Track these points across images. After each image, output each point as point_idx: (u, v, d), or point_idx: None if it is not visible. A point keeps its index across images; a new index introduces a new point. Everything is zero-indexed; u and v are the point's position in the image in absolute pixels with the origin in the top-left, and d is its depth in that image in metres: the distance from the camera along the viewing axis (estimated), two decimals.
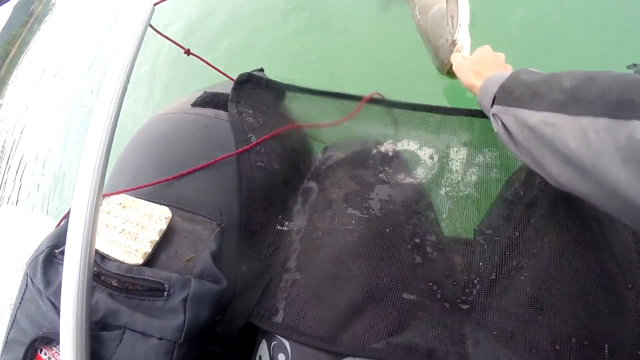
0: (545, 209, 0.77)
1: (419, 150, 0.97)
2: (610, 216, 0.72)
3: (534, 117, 0.60)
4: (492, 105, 0.74)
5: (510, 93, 0.69)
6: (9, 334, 0.71)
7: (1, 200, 4.66)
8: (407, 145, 0.97)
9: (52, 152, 4.01)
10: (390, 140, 0.97)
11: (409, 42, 1.57)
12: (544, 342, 0.62)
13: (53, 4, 10.46)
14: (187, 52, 0.99)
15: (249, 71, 1.11)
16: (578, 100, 0.53)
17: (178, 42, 1.00)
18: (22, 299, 0.72)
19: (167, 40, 0.98)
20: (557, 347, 0.61)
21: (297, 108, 1.03)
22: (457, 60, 1.02)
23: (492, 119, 0.74)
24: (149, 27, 0.83)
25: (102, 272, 0.69)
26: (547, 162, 0.60)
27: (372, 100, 0.98)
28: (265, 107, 0.99)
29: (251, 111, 0.96)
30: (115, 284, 0.68)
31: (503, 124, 0.69)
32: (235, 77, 1.03)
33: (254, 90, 1.00)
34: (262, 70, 1.17)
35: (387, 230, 0.80)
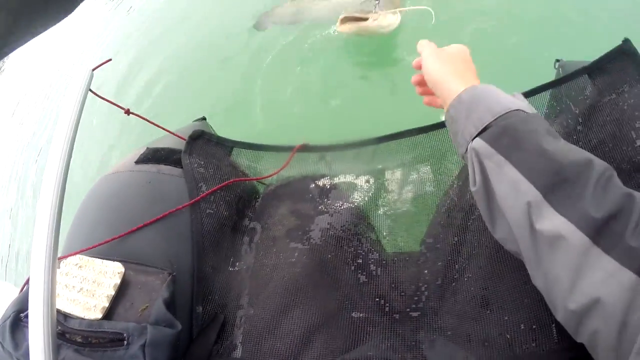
0: (478, 211, 0.81)
1: (355, 180, 1.08)
2: None
3: (547, 218, 0.49)
4: (474, 137, 0.59)
5: (516, 143, 0.55)
6: None
7: None
8: (344, 178, 1.08)
9: (3, 223, 3.92)
10: (327, 177, 1.08)
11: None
12: (495, 333, 0.67)
13: None
14: (127, 112, 1.05)
15: (195, 119, 1.22)
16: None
17: (117, 103, 1.06)
18: None
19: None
20: (508, 336, 0.66)
21: (242, 160, 1.16)
22: (431, 47, 0.75)
23: (462, 149, 0.62)
24: (89, 92, 0.90)
25: (66, 330, 0.75)
26: (522, 247, 0.54)
27: (304, 149, 1.11)
28: (215, 159, 1.09)
29: (203, 162, 1.05)
30: (79, 340, 0.74)
31: (483, 172, 0.58)
32: (174, 128, 1.12)
33: (205, 144, 1.11)
34: (204, 118, 1.27)
35: (329, 256, 0.87)
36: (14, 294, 0.87)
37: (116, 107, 1.06)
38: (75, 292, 0.80)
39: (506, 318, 0.68)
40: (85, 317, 0.76)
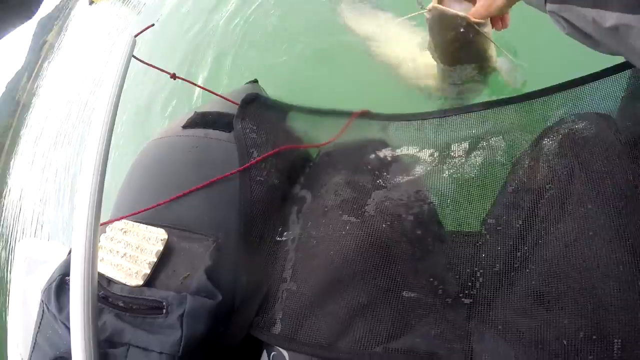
0: (550, 196, 0.75)
1: (419, 153, 0.98)
2: (630, 198, 0.67)
3: (609, 19, 0.57)
4: (546, 3, 0.67)
5: None
6: (31, 356, 0.78)
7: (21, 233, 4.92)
8: (407, 150, 0.99)
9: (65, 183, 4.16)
10: (389, 147, 0.99)
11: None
12: (551, 337, 0.61)
13: (37, 89, 10.19)
14: (173, 76, 1.02)
15: (246, 82, 1.17)
16: None
17: (162, 68, 1.04)
18: (40, 324, 0.78)
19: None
20: (565, 342, 0.59)
21: (298, 125, 1.10)
22: None
23: (551, 17, 0.69)
24: (133, 58, 0.88)
25: (108, 295, 0.74)
26: (633, 57, 0.59)
27: (365, 115, 1.04)
28: (269, 124, 1.04)
29: (255, 128, 1.01)
30: (121, 305, 0.73)
31: (570, 22, 0.65)
32: (223, 92, 1.08)
33: (259, 109, 1.06)
34: (256, 81, 1.23)
35: (384, 226, 0.80)
36: (64, 255, 0.88)
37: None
38: (119, 257, 0.79)
39: (566, 322, 0.61)
40: (127, 284, 0.75)
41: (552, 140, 0.82)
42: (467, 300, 0.72)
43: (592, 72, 0.87)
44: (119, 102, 0.78)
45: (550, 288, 0.64)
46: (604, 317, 0.59)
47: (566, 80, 0.91)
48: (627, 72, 0.84)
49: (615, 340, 0.57)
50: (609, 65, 0.85)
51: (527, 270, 0.68)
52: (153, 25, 0.97)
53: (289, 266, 0.83)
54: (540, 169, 0.80)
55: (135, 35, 0.89)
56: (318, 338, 0.70)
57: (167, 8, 3.46)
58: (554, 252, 0.67)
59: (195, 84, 1.04)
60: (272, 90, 1.26)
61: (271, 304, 0.78)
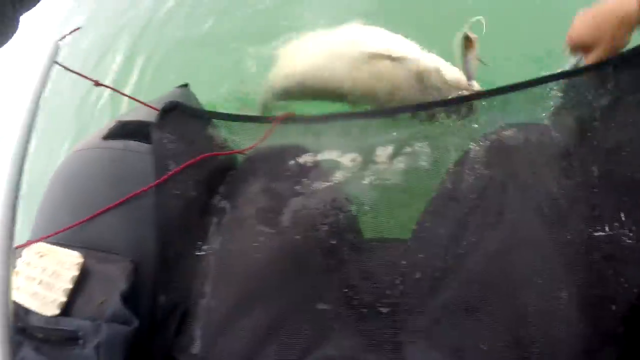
0: (473, 205, 0.77)
1: (341, 157, 0.99)
2: (553, 208, 0.72)
3: None
4: None
5: None
6: None
7: None
8: (328, 155, 1.00)
9: None
10: (310, 152, 0.99)
11: None
12: (470, 344, 0.64)
13: None
14: (96, 83, 0.99)
15: (176, 86, 1.13)
16: None
17: (85, 75, 0.99)
18: None
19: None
20: (484, 348, 0.63)
21: (223, 132, 1.08)
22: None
23: None
24: (55, 64, 0.83)
25: (27, 326, 0.75)
26: None
27: (289, 119, 1.03)
28: (190, 133, 1.02)
29: (174, 137, 0.99)
30: (40, 336, 0.74)
31: None
32: (153, 97, 1.05)
33: (180, 117, 1.03)
34: (186, 85, 1.18)
35: (298, 237, 0.82)
36: None
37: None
38: (35, 285, 0.79)
39: (485, 330, 0.64)
40: (43, 313, 0.75)
41: (479, 147, 0.84)
42: (385, 310, 0.74)
43: None
44: (37, 111, 0.73)
45: (472, 298, 0.67)
46: (523, 325, 0.62)
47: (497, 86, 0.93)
48: (560, 83, 0.90)
49: (533, 349, 0.61)
50: None
51: (448, 280, 0.71)
52: (79, 28, 0.91)
53: (208, 281, 0.84)
54: (466, 176, 0.82)
55: (59, 40, 0.84)
56: (232, 357, 0.73)
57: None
58: (476, 262, 0.70)
59: (117, 91, 0.99)
60: (206, 95, 1.21)
61: (190, 322, 0.80)
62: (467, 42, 1.04)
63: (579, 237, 0.69)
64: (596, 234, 0.70)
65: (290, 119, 1.05)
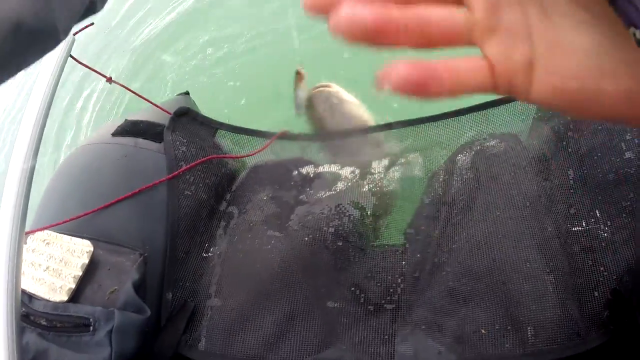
0: (462, 206, 0.83)
1: (340, 170, 1.05)
2: (534, 205, 0.77)
3: None
4: None
5: None
6: None
7: None
8: (328, 167, 1.05)
9: None
10: (312, 164, 1.05)
11: None
12: (470, 330, 0.68)
13: None
14: (109, 80, 1.01)
15: (178, 94, 1.17)
16: None
17: (99, 71, 1.01)
18: None
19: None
20: (484, 331, 0.67)
21: (227, 142, 1.14)
22: None
23: None
24: (70, 58, 0.84)
25: (30, 313, 0.72)
26: None
27: (285, 136, 1.11)
28: (198, 139, 1.05)
29: (185, 141, 1.02)
30: (44, 323, 0.72)
31: None
32: (157, 101, 1.07)
33: (190, 123, 1.07)
34: (187, 93, 1.22)
35: (307, 239, 0.85)
36: None
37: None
38: (41, 271, 0.77)
39: (482, 316, 0.69)
40: (51, 299, 0.73)
41: (465, 156, 0.91)
42: (389, 306, 0.77)
43: None
44: (51, 104, 0.74)
45: (466, 287, 0.72)
46: (516, 308, 0.67)
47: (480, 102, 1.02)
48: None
49: (528, 328, 0.65)
50: None
51: (444, 273, 0.75)
52: (92, 24, 0.93)
53: (216, 281, 0.85)
54: (455, 182, 0.88)
55: (75, 34, 0.85)
56: (248, 352, 0.73)
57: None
58: (467, 255, 0.75)
59: (130, 90, 1.01)
60: (204, 105, 1.26)
61: (198, 320, 0.80)
62: (299, 76, 1.15)
63: (559, 232, 0.75)
64: (574, 229, 0.76)
65: (289, 135, 1.13)
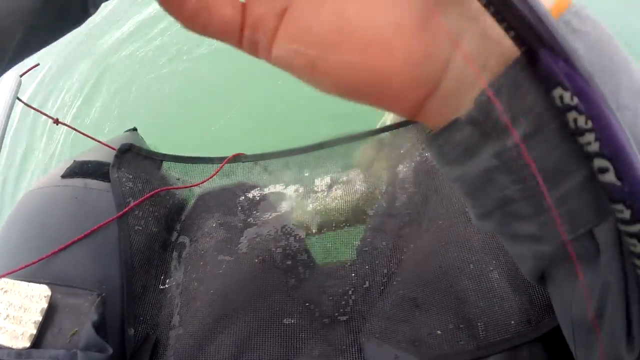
0: (409, 219, 0.89)
1: (284, 189, 1.12)
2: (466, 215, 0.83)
3: None
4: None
5: None
6: None
7: None
8: (273, 188, 1.12)
9: None
10: (258, 187, 1.11)
11: None
12: (424, 333, 0.72)
13: None
14: (56, 121, 1.03)
15: (126, 130, 1.21)
16: None
17: (46, 112, 1.04)
18: None
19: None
20: (439, 332, 0.71)
21: (175, 173, 1.18)
22: None
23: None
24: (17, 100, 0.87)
25: None
26: None
27: (237, 158, 1.15)
28: (145, 173, 1.09)
29: (131, 177, 1.05)
30: None
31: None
32: (104, 139, 1.11)
33: (134, 158, 1.11)
34: (135, 129, 1.26)
35: (256, 260, 0.91)
36: None
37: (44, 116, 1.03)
38: (1, 319, 0.81)
39: (435, 319, 0.74)
40: (14, 347, 0.77)
41: (406, 167, 0.99)
42: (342, 318, 0.82)
43: None
44: (1, 146, 0.77)
45: (417, 294, 0.77)
46: (465, 307, 0.72)
47: None
48: None
49: (479, 324, 0.71)
50: None
51: (395, 283, 0.81)
52: (38, 65, 0.95)
53: (176, 312, 0.89)
54: (399, 195, 0.96)
55: (21, 75, 0.88)
56: None
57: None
58: (416, 265, 0.81)
59: (76, 130, 1.04)
60: (153, 139, 1.30)
61: (162, 352, 0.84)
62: None
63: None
64: None
65: (237, 158, 1.17)
